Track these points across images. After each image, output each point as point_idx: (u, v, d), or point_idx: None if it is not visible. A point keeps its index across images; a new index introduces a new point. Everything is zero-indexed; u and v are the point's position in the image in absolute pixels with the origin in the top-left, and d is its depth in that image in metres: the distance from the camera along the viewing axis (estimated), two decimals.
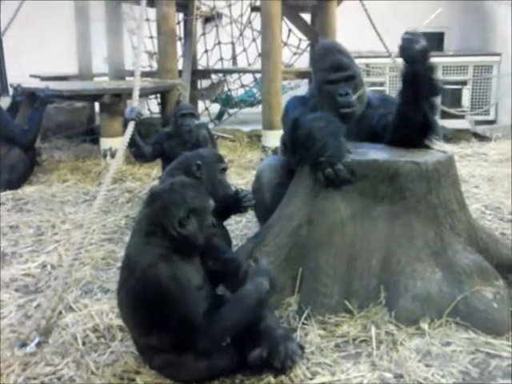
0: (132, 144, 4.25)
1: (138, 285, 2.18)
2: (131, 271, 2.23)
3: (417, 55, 2.82)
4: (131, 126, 4.10)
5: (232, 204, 3.28)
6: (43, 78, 7.80)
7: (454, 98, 8.73)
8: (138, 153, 4.46)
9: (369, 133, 3.18)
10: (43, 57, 8.70)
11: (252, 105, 8.56)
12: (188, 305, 2.17)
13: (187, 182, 2.43)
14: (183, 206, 2.27)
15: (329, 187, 2.80)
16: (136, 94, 4.22)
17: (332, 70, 3.12)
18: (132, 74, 6.28)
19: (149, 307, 2.16)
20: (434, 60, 2.92)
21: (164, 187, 2.39)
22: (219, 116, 8.60)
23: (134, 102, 4.29)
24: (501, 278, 2.78)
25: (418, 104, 2.89)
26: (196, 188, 2.38)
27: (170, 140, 4.51)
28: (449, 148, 6.46)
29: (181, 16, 7.44)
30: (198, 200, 2.32)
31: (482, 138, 7.39)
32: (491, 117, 8.80)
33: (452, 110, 7.94)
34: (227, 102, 8.68)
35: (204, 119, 7.65)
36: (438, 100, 3.03)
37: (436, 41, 10.24)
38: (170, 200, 2.29)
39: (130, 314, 2.28)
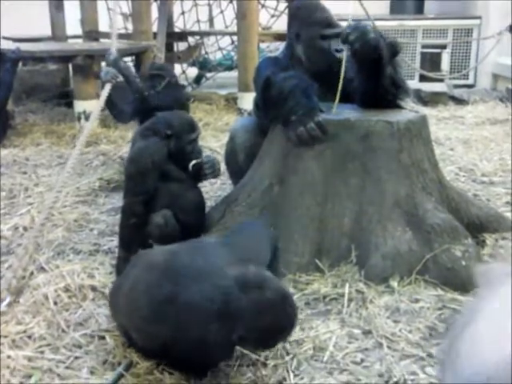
0: (111, 107, 4.18)
1: None
2: None
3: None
4: (107, 88, 4.03)
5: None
6: (15, 40, 7.62)
7: (434, 62, 8.68)
8: (119, 114, 4.38)
9: (342, 93, 3.16)
10: (17, 19, 8.50)
11: (230, 68, 8.44)
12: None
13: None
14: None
15: (300, 146, 2.80)
16: (114, 49, 4.14)
17: (325, 25, 3.07)
18: (106, 35, 6.20)
19: None
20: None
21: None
22: (197, 79, 8.50)
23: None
24: (470, 237, 2.81)
25: (380, 73, 2.87)
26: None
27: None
28: (426, 111, 6.47)
29: None
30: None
31: (459, 101, 7.39)
32: (470, 81, 8.76)
33: (431, 74, 7.92)
34: (205, 65, 8.57)
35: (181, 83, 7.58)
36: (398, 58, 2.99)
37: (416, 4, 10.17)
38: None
39: None
